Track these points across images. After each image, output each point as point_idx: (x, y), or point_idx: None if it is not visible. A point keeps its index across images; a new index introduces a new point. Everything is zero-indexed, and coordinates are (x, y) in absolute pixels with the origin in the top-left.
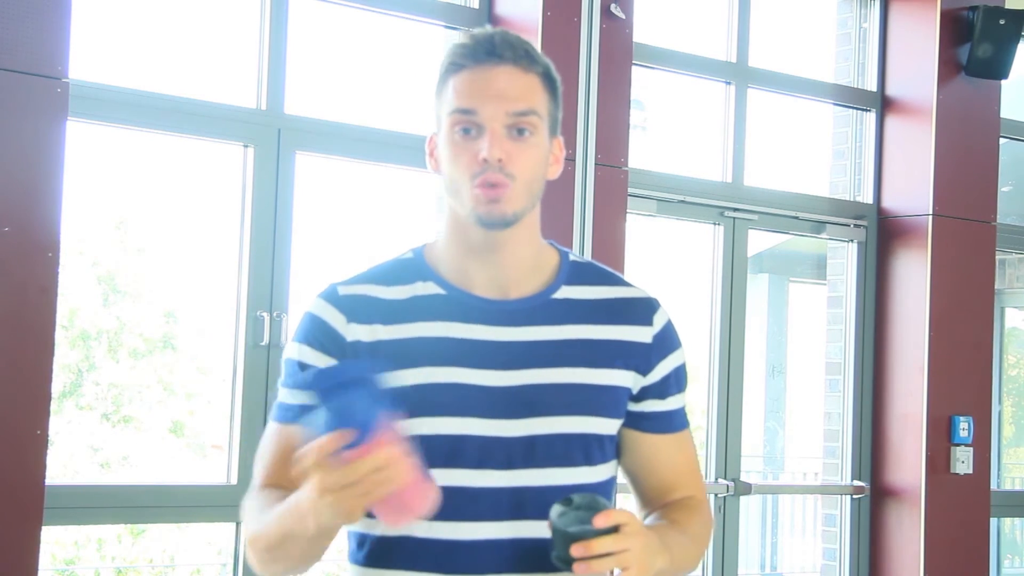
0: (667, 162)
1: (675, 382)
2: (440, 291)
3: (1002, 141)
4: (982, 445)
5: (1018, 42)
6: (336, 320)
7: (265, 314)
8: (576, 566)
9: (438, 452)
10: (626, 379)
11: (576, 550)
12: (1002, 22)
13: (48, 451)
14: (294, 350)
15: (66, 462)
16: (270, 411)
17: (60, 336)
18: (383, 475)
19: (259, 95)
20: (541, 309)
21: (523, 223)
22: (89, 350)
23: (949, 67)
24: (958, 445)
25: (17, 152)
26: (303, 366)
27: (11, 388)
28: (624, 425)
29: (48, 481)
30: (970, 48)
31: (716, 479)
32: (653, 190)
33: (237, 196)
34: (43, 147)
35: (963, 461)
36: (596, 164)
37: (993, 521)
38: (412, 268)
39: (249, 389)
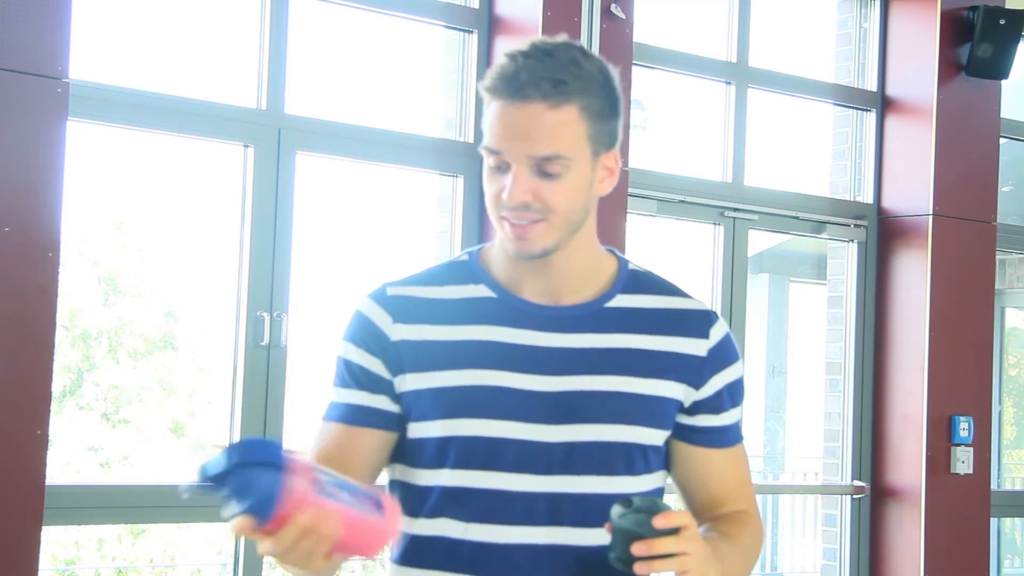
0: (667, 162)
1: (729, 397)
2: (491, 294)
3: (1002, 141)
4: (982, 445)
5: (1018, 42)
6: (382, 320)
7: (265, 314)
8: (637, 566)
9: (477, 454)
10: (676, 391)
11: (638, 548)
12: (1002, 22)
13: (48, 451)
14: (342, 348)
15: (66, 462)
16: (270, 411)
17: (60, 336)
18: (309, 541)
19: (259, 95)
20: (592, 317)
21: (574, 239)
22: (89, 350)
23: (949, 67)
24: (958, 445)
25: (17, 152)
26: (348, 364)
27: (11, 388)
28: (675, 437)
29: (48, 481)
30: (970, 48)
31: None
32: (653, 190)
33: (237, 196)
34: (43, 147)
35: (963, 461)
36: None
37: (993, 521)
38: (465, 270)
39: (249, 389)
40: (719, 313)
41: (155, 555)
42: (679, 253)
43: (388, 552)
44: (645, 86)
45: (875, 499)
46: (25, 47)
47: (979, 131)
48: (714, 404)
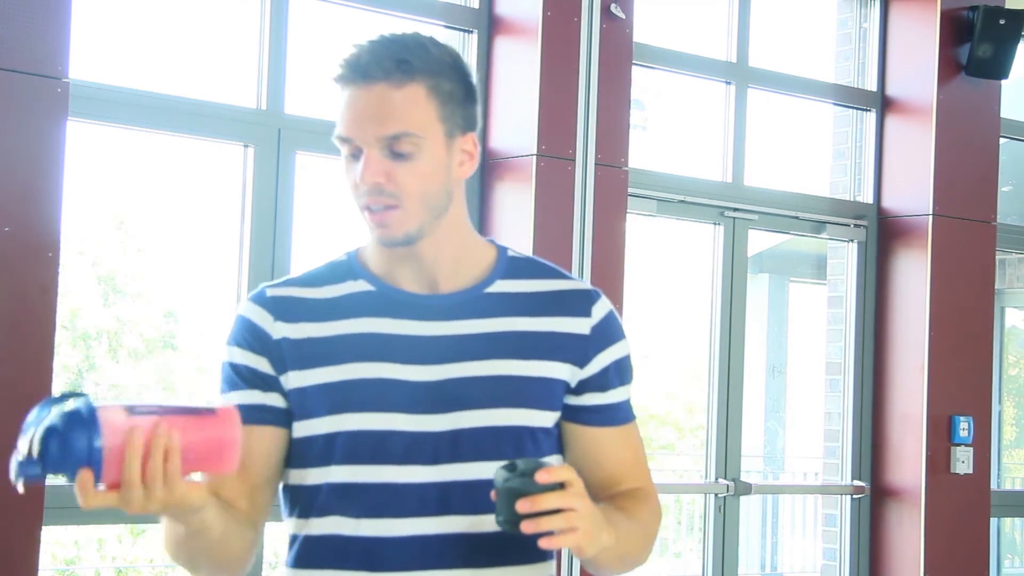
0: (667, 162)
1: (616, 374)
2: (370, 288)
3: (1002, 141)
4: (982, 445)
5: (1018, 42)
6: (263, 320)
7: None
8: (524, 525)
9: (363, 448)
10: (562, 371)
11: (522, 505)
12: (1002, 22)
13: None
14: (225, 354)
15: None
16: None
17: (60, 336)
18: (154, 463)
19: (259, 95)
20: (472, 303)
21: (440, 225)
22: (89, 350)
23: (949, 67)
24: (958, 445)
25: (17, 152)
26: (235, 367)
27: (11, 388)
28: (565, 419)
29: (48, 481)
30: (970, 48)
31: (716, 479)
32: (653, 190)
33: (237, 196)
34: (43, 147)
35: (963, 461)
36: (596, 164)
37: (993, 521)
38: (343, 269)
39: None
40: (600, 295)
41: (155, 555)
42: (679, 253)
43: (284, 555)
44: (645, 86)
45: (875, 499)
46: (25, 47)
47: (979, 131)
48: (600, 382)
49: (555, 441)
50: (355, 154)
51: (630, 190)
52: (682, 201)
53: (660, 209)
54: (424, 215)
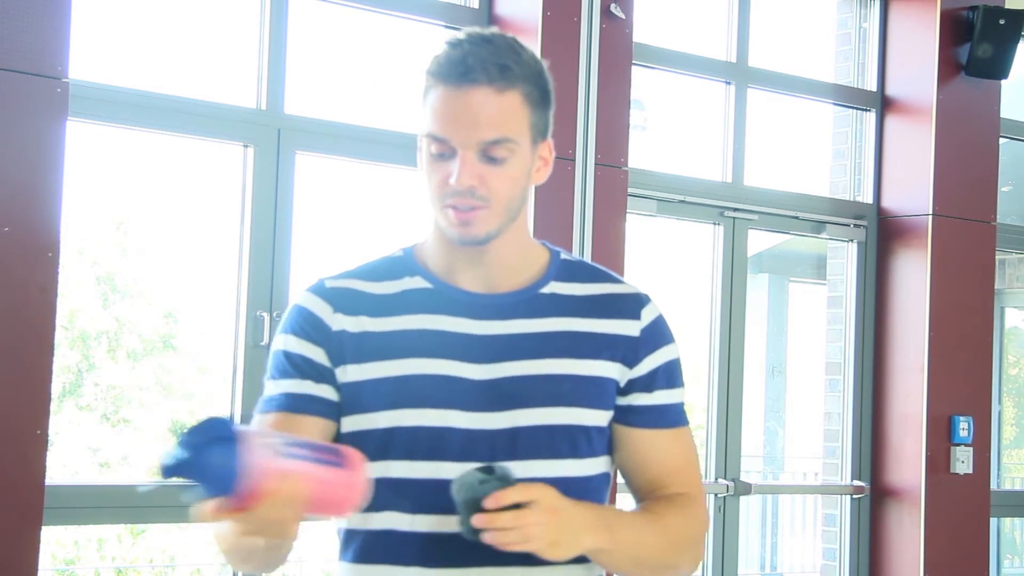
0: (667, 162)
1: (664, 377)
2: (427, 285)
3: (1002, 141)
4: (982, 445)
5: (1018, 42)
6: (323, 310)
7: (265, 314)
8: (483, 536)
9: (421, 445)
10: (612, 371)
11: (477, 520)
12: (1002, 22)
13: (48, 451)
14: (280, 342)
15: (66, 462)
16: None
17: (60, 336)
18: (282, 508)
19: (259, 95)
20: (527, 303)
21: (511, 227)
22: (89, 350)
23: (949, 67)
24: (958, 445)
25: (17, 152)
26: (289, 355)
27: (11, 388)
28: (614, 420)
29: (48, 481)
30: (970, 48)
31: (716, 479)
32: (653, 190)
33: (237, 196)
34: (43, 147)
35: (963, 461)
36: (596, 164)
37: (993, 521)
38: (400, 265)
39: (249, 389)
40: (650, 299)
41: (155, 555)
42: (679, 253)
43: (338, 551)
44: (645, 86)
45: (875, 499)
46: (25, 47)
47: (979, 131)
48: (646, 383)
49: (608, 441)
50: (444, 153)
51: (630, 190)
52: (682, 201)
53: (660, 209)
54: (505, 218)
